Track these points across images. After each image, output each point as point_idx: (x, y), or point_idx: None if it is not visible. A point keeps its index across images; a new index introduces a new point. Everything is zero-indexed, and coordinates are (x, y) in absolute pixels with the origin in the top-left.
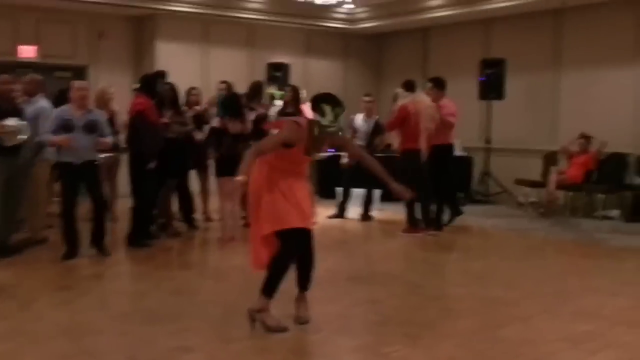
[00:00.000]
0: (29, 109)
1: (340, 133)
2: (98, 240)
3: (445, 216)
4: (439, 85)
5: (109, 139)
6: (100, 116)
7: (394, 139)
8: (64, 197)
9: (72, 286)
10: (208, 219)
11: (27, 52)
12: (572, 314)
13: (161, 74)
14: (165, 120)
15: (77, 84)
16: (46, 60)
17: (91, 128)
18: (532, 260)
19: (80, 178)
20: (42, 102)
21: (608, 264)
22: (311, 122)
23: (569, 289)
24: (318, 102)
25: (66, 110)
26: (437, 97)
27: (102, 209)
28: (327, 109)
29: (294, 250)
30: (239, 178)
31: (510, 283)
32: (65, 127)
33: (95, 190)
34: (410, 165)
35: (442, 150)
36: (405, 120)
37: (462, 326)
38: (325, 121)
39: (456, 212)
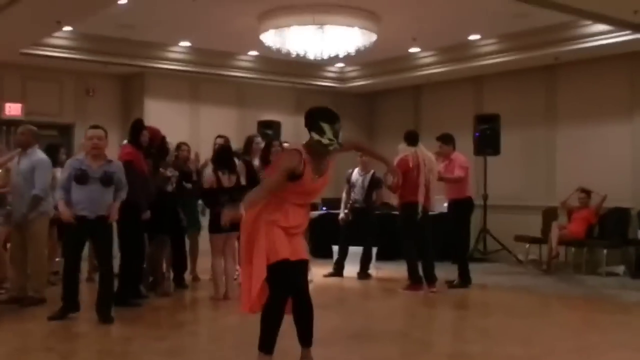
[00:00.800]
0: (24, 161)
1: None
2: (102, 305)
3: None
4: (447, 141)
5: (117, 204)
6: (118, 168)
7: (392, 195)
8: (68, 253)
9: (57, 348)
10: (195, 278)
11: (13, 110)
12: None
13: (140, 123)
14: (167, 173)
15: (90, 132)
16: (32, 118)
17: (108, 181)
18: (544, 317)
19: (90, 234)
20: (39, 154)
21: (624, 319)
22: (307, 144)
23: (591, 344)
24: (315, 119)
25: (82, 160)
26: (448, 152)
27: (109, 273)
28: (326, 127)
29: (284, 287)
30: (242, 210)
31: (527, 340)
32: (79, 178)
33: (105, 249)
34: (408, 219)
35: (458, 205)
36: (405, 174)
37: None
38: (325, 140)
39: (465, 281)
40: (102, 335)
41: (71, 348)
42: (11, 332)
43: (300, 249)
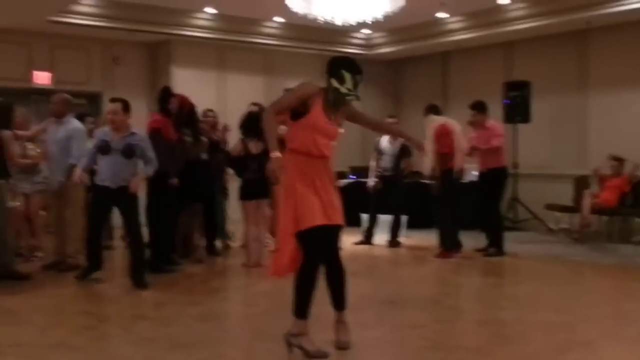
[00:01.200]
0: (60, 130)
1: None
2: (134, 271)
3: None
4: (481, 109)
5: (140, 176)
6: (142, 140)
7: (423, 164)
8: (91, 220)
9: (93, 311)
10: (226, 245)
11: (42, 78)
12: (636, 338)
13: (167, 90)
14: (205, 140)
15: (108, 106)
16: (60, 87)
17: (129, 152)
18: (577, 285)
19: (115, 203)
20: (75, 123)
21: None
22: (325, 88)
23: (625, 312)
24: (337, 66)
25: (106, 132)
26: (482, 120)
27: (137, 239)
28: (347, 76)
29: (318, 252)
30: (274, 155)
31: (561, 307)
32: (102, 149)
33: (130, 217)
34: (448, 186)
35: (495, 174)
36: (445, 139)
37: (519, 352)
38: (343, 89)
39: (501, 250)
40: (137, 301)
41: (107, 312)
42: (50, 297)
43: (336, 213)
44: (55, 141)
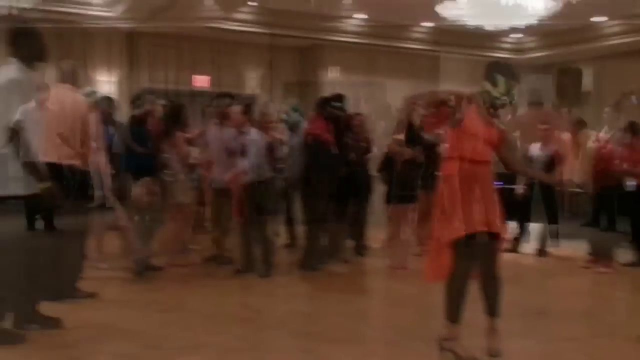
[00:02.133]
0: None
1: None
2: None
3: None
4: (636, 131)
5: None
6: (248, 140)
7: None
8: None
9: (250, 304)
10: (366, 246)
11: (201, 81)
12: None
13: (336, 97)
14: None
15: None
16: (218, 89)
17: (241, 151)
18: None
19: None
20: None
21: None
22: (479, 92)
23: None
24: (492, 70)
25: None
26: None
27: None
28: (501, 80)
29: (465, 260)
30: (395, 136)
31: None
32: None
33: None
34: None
35: None
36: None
37: None
38: (495, 92)
39: None
40: (290, 295)
41: (263, 305)
42: (210, 287)
43: (492, 220)
44: (219, 141)
